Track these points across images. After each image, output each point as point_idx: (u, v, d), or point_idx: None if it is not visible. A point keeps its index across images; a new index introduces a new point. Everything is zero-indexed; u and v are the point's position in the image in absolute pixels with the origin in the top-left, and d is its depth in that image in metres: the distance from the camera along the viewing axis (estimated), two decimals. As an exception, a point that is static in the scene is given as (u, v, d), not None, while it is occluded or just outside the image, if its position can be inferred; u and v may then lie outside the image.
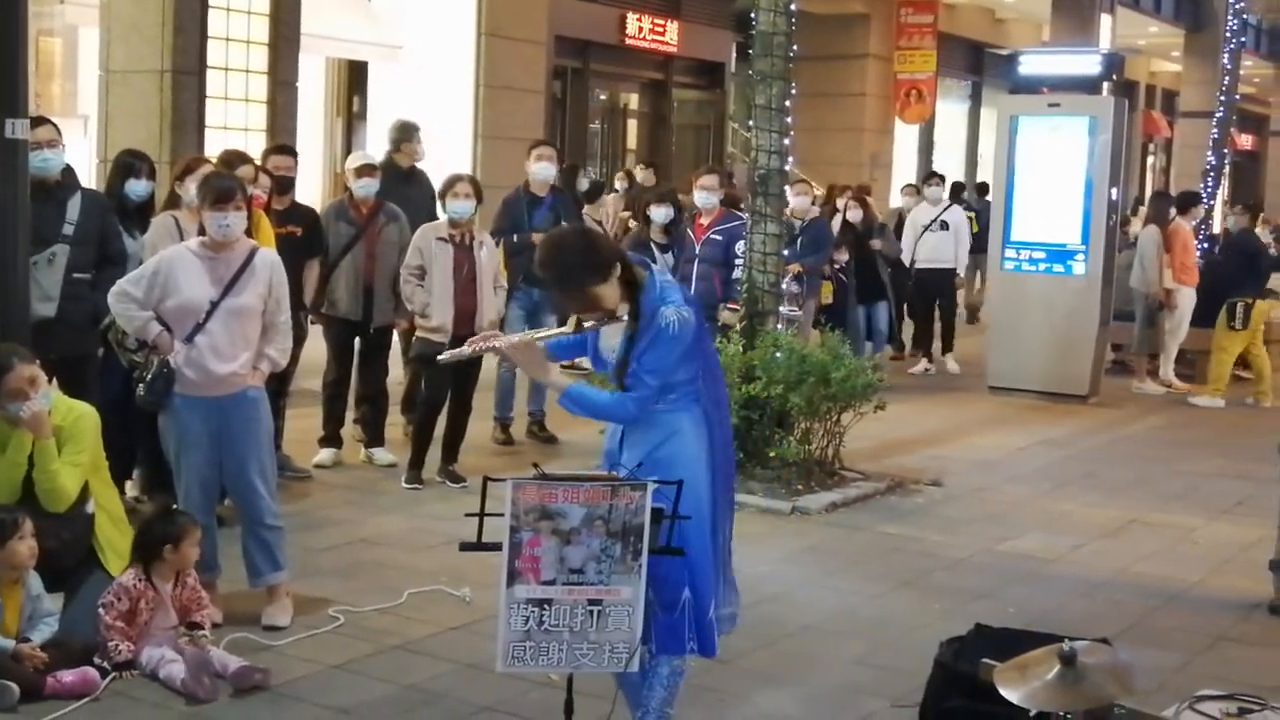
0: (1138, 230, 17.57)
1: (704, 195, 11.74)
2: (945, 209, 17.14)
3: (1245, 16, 26.67)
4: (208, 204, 6.78)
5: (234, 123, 14.52)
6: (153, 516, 6.62)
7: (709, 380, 5.24)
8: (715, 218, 11.67)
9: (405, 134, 11.63)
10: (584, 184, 18.02)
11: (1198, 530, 9.79)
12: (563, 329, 5.26)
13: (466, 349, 5.49)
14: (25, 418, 6.31)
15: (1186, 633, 7.49)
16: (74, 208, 8.18)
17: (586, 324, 5.11)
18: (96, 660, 6.15)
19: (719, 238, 11.48)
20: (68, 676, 5.98)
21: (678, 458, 5.03)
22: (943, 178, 18.31)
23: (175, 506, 6.75)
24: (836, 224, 15.54)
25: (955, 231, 16.91)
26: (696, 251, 11.56)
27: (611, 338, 5.14)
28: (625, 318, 5.03)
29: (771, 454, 10.05)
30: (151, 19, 13.51)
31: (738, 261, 11.02)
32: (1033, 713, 4.20)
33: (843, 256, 15.05)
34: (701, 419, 5.14)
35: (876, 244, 15.75)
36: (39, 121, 8.07)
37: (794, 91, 10.81)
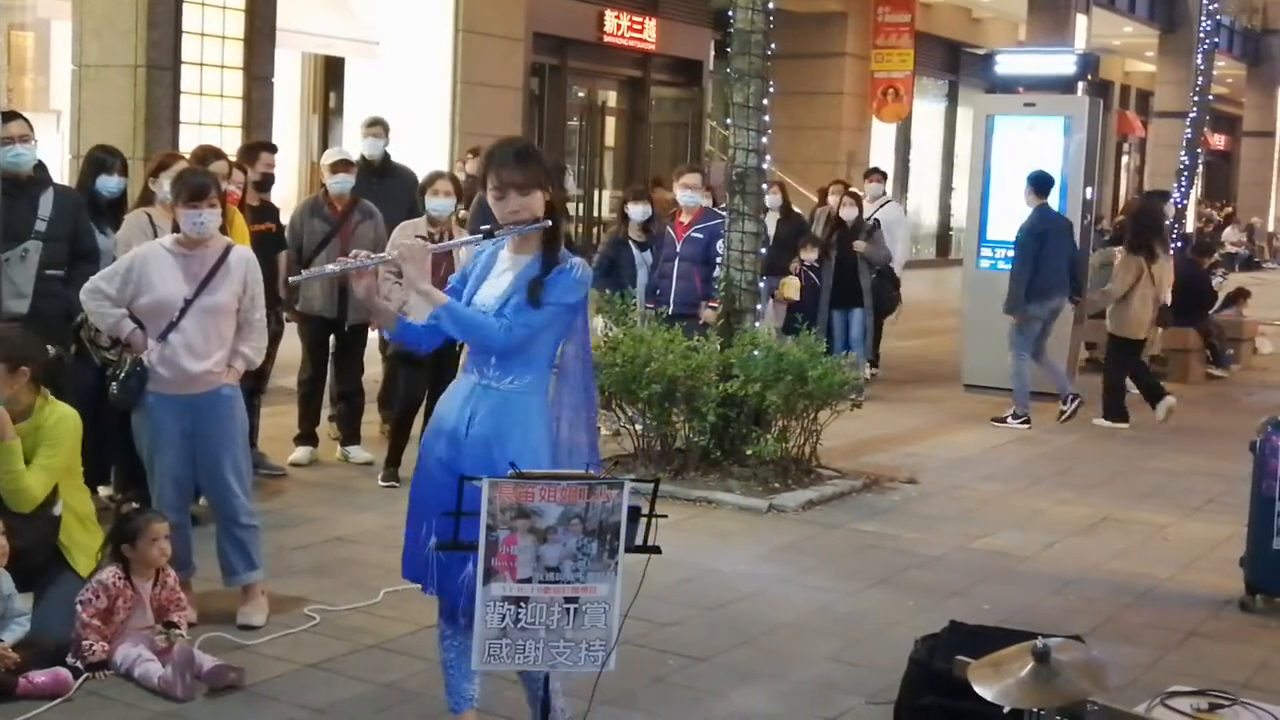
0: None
1: (687, 194, 11.72)
2: (881, 206, 16.07)
3: (1218, 17, 26.82)
4: (182, 201, 6.74)
5: (209, 118, 14.48)
6: (120, 516, 6.53)
7: (571, 376, 5.29)
8: (695, 216, 11.65)
9: (364, 127, 11.54)
10: (570, 186, 17.42)
11: (1169, 527, 9.85)
12: (470, 238, 5.26)
13: (335, 266, 5.35)
14: None
15: (1158, 629, 7.54)
16: (47, 204, 8.07)
17: (497, 232, 5.11)
18: (69, 660, 6.07)
19: (700, 236, 11.46)
20: (40, 677, 5.88)
21: (527, 441, 5.06)
22: (884, 174, 17.09)
23: (136, 506, 6.65)
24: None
25: (888, 230, 15.57)
26: (678, 250, 11.56)
27: (492, 288, 5.15)
28: (540, 222, 5.05)
29: (748, 452, 10.07)
30: (125, 13, 13.44)
31: (718, 260, 11.01)
32: (1006, 709, 4.22)
33: (810, 255, 14.38)
34: (546, 408, 5.18)
35: (860, 245, 14.68)
36: (11, 116, 8.00)
37: (771, 90, 10.83)
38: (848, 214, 14.84)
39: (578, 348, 5.30)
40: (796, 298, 14.05)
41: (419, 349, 5.59)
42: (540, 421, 5.14)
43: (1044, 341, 13.86)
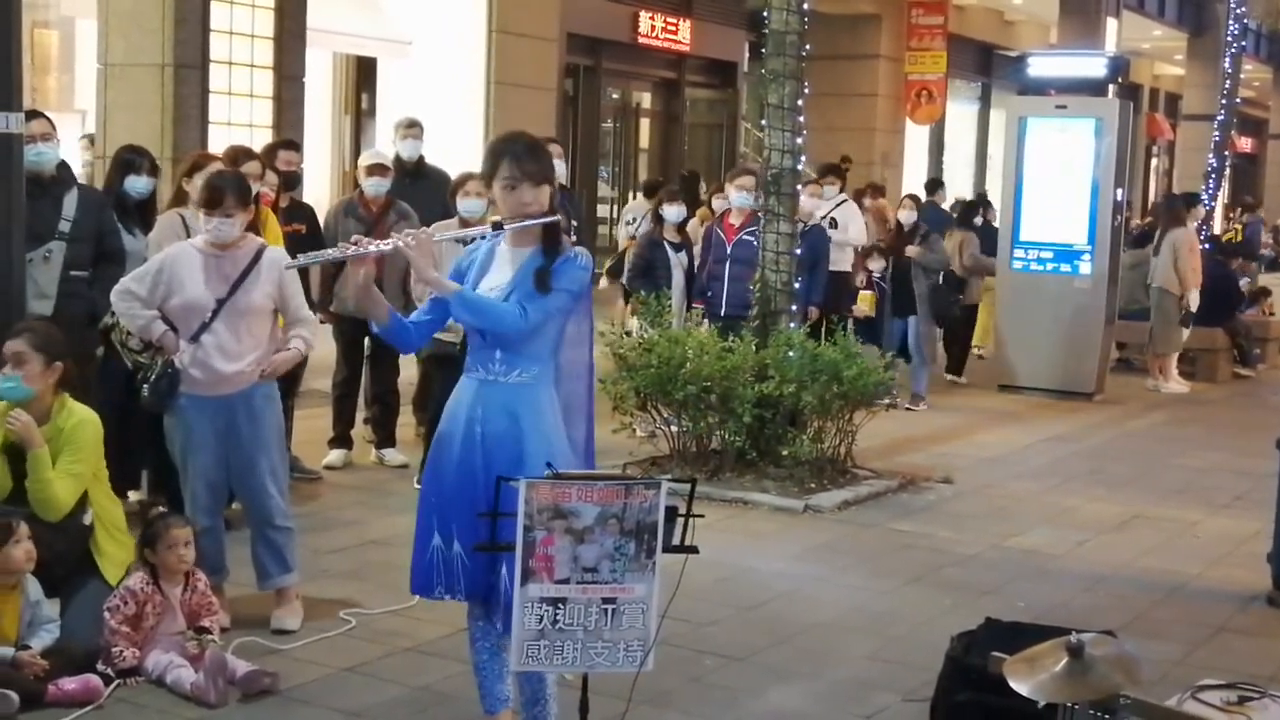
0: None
1: (742, 196, 11.69)
2: (839, 204, 15.12)
3: (1245, 21, 26.77)
4: (202, 207, 6.73)
5: (239, 118, 14.35)
6: (146, 520, 6.44)
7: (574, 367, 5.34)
8: (747, 219, 11.62)
9: (402, 129, 11.58)
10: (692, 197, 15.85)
11: (1199, 524, 9.91)
12: (477, 229, 5.25)
13: (336, 252, 5.34)
14: (16, 428, 6.19)
15: (1188, 624, 7.60)
16: (70, 204, 7.97)
17: (506, 224, 5.14)
18: (100, 667, 5.99)
19: (751, 239, 11.37)
20: (70, 684, 5.80)
21: (546, 431, 5.13)
22: (842, 171, 16.60)
23: (162, 510, 6.53)
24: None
25: (845, 229, 14.77)
26: (728, 252, 11.57)
27: (495, 278, 5.19)
28: (548, 216, 5.12)
29: (784, 452, 10.09)
30: (151, 11, 13.24)
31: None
32: (1041, 704, 4.24)
33: (878, 264, 14.05)
34: (555, 400, 5.23)
35: (912, 250, 14.33)
36: (33, 115, 7.88)
37: (806, 91, 10.83)
38: (906, 217, 14.76)
39: (582, 334, 5.34)
40: (873, 313, 13.79)
41: (405, 348, 5.61)
42: (552, 413, 5.19)
43: None
